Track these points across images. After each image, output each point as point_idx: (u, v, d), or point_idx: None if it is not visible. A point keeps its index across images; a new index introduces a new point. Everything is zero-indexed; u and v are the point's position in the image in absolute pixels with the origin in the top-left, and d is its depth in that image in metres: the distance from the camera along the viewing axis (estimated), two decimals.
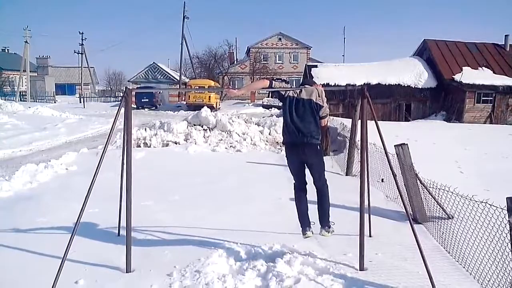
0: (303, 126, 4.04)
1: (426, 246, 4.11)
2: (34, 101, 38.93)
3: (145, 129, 13.95)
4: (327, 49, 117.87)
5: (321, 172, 4.25)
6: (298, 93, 4.21)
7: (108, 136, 4.04)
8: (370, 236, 4.87)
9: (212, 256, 4.29)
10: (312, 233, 4.29)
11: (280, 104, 4.47)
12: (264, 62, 46.53)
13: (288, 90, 4.27)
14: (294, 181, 4.36)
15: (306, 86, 4.34)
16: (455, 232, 4.58)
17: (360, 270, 4.02)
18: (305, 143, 4.05)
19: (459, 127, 18.44)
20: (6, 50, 59.33)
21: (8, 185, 7.47)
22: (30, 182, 7.89)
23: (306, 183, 4.33)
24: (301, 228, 4.30)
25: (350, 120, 9.78)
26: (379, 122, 4.08)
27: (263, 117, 18.73)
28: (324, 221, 4.28)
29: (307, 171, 4.30)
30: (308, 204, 4.38)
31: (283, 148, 13.13)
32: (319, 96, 4.20)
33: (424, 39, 28.30)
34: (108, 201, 5.66)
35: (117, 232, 4.99)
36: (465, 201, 4.31)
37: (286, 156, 4.33)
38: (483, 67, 25.25)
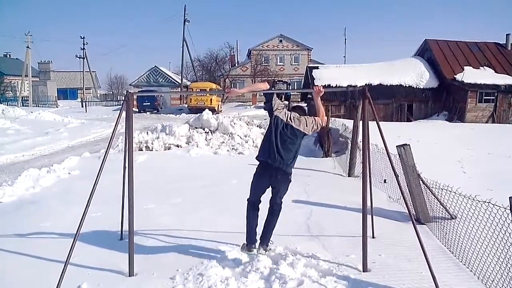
0: (284, 153, 4.03)
1: (429, 247, 4.10)
2: (36, 106, 39.01)
3: (147, 132, 13.96)
4: (328, 51, 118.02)
5: (283, 195, 4.25)
6: (288, 117, 4.17)
7: (110, 140, 4.05)
8: (373, 237, 4.87)
9: (215, 259, 4.29)
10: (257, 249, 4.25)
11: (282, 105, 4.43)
12: (265, 64, 46.47)
13: (279, 108, 4.21)
14: (250, 197, 4.23)
15: (297, 111, 4.31)
16: (458, 232, 4.57)
17: (363, 271, 4.01)
18: (279, 169, 4.04)
19: (461, 127, 18.39)
20: (8, 55, 59.53)
21: (11, 190, 7.50)
22: (33, 187, 7.92)
23: (261, 202, 4.26)
24: (246, 244, 4.20)
25: (352, 121, 9.77)
26: (381, 123, 4.08)
27: (265, 119, 18.73)
28: (266, 239, 4.23)
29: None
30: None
31: None
32: (307, 126, 4.20)
33: (425, 39, 28.28)
34: (110, 204, 5.67)
35: (119, 235, 5.00)
36: (468, 201, 4.30)
37: (256, 172, 4.19)
38: (485, 67, 25.19)
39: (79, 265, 4.16)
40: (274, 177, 4.09)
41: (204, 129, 14.02)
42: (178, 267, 4.14)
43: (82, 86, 52.19)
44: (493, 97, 23.83)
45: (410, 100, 25.21)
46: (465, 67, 24.87)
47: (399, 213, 5.93)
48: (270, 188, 4.22)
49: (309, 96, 27.22)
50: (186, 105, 32.26)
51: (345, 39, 61.82)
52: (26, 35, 41.54)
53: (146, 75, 45.82)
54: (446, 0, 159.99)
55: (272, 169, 4.04)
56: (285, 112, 4.21)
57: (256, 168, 4.20)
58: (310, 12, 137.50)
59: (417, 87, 25.35)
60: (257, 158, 4.18)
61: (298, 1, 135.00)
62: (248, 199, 4.25)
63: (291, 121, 4.15)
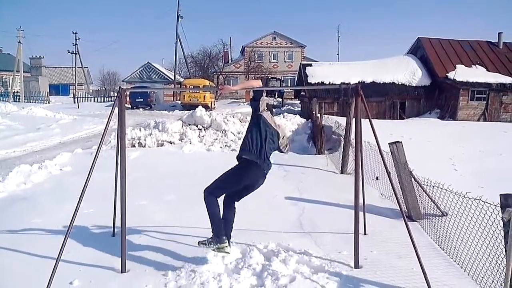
0: (269, 155, 4.05)
1: (420, 243, 4.13)
2: (27, 102, 38.67)
3: (140, 129, 13.90)
4: (322, 48, 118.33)
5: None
6: (275, 123, 4.17)
7: (102, 137, 4.03)
8: (365, 234, 4.90)
9: (207, 255, 4.29)
10: None
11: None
12: (258, 61, 46.50)
13: (265, 109, 4.14)
14: (213, 192, 4.02)
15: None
16: (449, 229, 4.61)
17: (355, 268, 4.03)
18: (266, 172, 4.04)
19: (453, 125, 18.51)
20: None
21: (2, 186, 7.44)
22: (24, 183, 7.86)
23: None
24: (215, 235, 3.95)
25: (345, 118, 9.80)
26: (374, 120, 4.10)
27: None
28: (228, 236, 4.12)
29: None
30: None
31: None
32: (282, 139, 4.22)
33: (418, 37, 28.40)
34: (103, 201, 5.65)
35: (112, 232, 4.98)
36: (459, 198, 4.33)
37: (237, 170, 4.05)
38: (477, 65, 25.37)
39: (71, 261, 4.14)
40: (261, 179, 4.04)
41: (197, 126, 13.99)
42: (171, 264, 4.14)
43: (74, 82, 51.83)
44: (485, 96, 24.01)
45: (403, 98, 25.33)
46: (457, 65, 25.03)
47: (391, 210, 5.97)
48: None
49: (302, 93, 27.26)
50: (179, 102, 32.14)
51: (339, 36, 62.16)
52: (18, 30, 41.02)
53: (139, 71, 45.60)
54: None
55: (260, 170, 3.97)
56: (270, 116, 4.18)
57: (238, 166, 4.06)
58: (304, 10, 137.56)
59: (410, 85, 25.49)
60: (243, 157, 4.02)
61: None
62: (209, 192, 4.00)
63: (278, 128, 4.17)
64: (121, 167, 4.05)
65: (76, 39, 51.26)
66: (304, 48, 49.01)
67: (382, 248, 4.55)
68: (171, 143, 12.91)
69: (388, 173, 4.15)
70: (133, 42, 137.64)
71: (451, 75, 24.09)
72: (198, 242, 3.98)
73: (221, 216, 4.07)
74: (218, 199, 4.06)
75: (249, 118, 4.36)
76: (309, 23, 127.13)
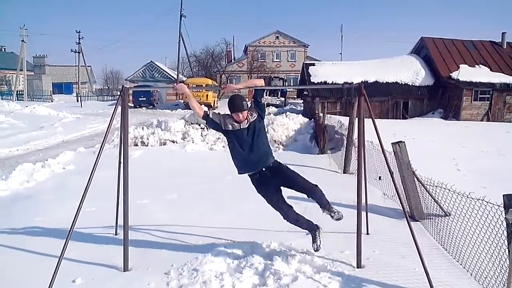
0: None
1: (423, 244, 4.11)
2: (31, 100, 38.81)
3: (143, 127, 13.93)
4: (325, 48, 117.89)
5: None
6: None
7: (105, 135, 4.03)
8: (367, 233, 4.89)
9: (210, 254, 4.29)
10: None
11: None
12: (261, 60, 46.41)
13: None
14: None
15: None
16: (452, 230, 4.60)
17: (357, 267, 4.03)
18: None
19: (456, 125, 18.44)
20: (3, 49, 59.06)
21: (5, 184, 7.47)
22: (27, 181, 7.89)
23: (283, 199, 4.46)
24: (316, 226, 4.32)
25: (348, 118, 9.79)
26: (376, 120, 4.09)
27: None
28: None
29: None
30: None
31: (280, 147, 13.07)
32: None
33: (422, 37, 28.30)
34: (105, 200, 5.65)
35: (114, 231, 4.99)
36: (462, 199, 4.32)
37: None
38: (480, 65, 25.26)
39: (73, 259, 4.15)
40: None
41: (199, 125, 14.00)
42: (173, 262, 4.14)
43: (77, 81, 51.94)
44: (488, 96, 23.91)
45: (406, 98, 25.25)
46: (460, 65, 24.92)
47: (394, 210, 5.96)
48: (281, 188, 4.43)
49: (305, 93, 27.22)
50: (182, 101, 32.18)
51: (342, 36, 61.54)
52: (21, 28, 41.23)
53: (142, 70, 45.66)
54: None
55: None
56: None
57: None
58: (307, 9, 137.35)
59: (413, 84, 25.40)
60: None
61: None
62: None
63: None
64: (124, 166, 4.06)
65: (79, 38, 51.33)
66: (307, 47, 48.95)
67: (385, 248, 4.54)
68: (174, 142, 12.93)
69: (391, 173, 4.14)
70: (136, 41, 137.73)
71: (454, 75, 24.00)
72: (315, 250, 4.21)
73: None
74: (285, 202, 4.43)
75: None
76: (312, 22, 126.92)
